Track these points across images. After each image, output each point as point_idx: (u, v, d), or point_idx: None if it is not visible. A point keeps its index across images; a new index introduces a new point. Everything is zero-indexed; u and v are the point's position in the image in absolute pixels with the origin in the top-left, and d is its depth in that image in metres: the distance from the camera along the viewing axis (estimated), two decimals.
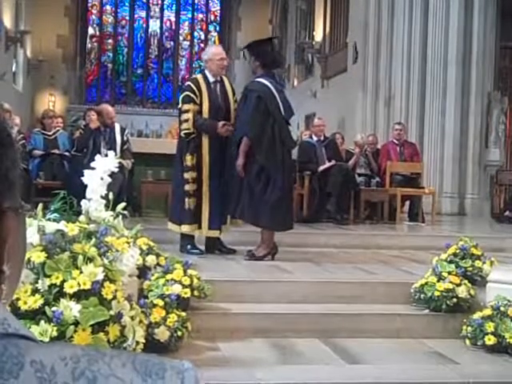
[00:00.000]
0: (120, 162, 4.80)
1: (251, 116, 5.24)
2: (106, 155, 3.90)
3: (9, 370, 0.54)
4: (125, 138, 7.91)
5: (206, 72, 5.68)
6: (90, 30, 22.90)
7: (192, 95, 5.52)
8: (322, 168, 8.20)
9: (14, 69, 17.70)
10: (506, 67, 12.17)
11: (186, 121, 5.48)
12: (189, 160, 5.45)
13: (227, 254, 5.61)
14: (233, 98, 5.66)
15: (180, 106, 5.58)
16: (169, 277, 3.83)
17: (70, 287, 2.80)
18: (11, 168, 0.61)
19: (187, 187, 5.45)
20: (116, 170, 3.83)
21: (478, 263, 4.56)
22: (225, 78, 5.75)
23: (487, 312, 3.91)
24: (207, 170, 5.47)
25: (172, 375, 0.57)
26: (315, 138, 8.62)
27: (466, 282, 4.31)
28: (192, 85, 5.60)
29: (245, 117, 5.29)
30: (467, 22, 10.93)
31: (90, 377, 0.55)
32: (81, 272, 2.84)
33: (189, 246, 5.50)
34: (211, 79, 5.62)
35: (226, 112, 5.57)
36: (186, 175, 5.45)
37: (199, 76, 5.75)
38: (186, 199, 5.43)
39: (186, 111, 5.49)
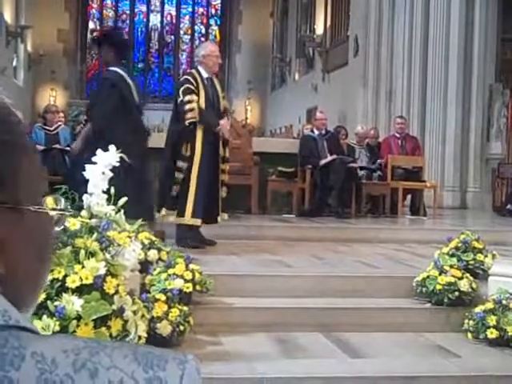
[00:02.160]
0: (121, 157, 4.79)
1: (105, 105, 5.27)
2: (108, 150, 3.89)
3: (10, 361, 0.54)
4: None
5: (200, 68, 5.70)
6: (91, 25, 22.89)
7: (192, 87, 5.56)
8: (323, 162, 8.19)
9: (14, 63, 17.68)
10: (507, 60, 12.13)
11: (192, 110, 5.49)
12: (184, 149, 5.48)
13: (208, 245, 5.60)
14: (222, 96, 5.78)
15: (181, 98, 5.56)
16: (171, 271, 3.84)
17: (72, 282, 2.80)
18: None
19: (177, 175, 5.48)
20: (117, 164, 3.83)
21: (479, 256, 4.56)
22: (214, 77, 5.80)
23: (489, 305, 3.91)
24: (198, 160, 5.49)
25: (173, 367, 0.57)
26: (317, 132, 8.61)
27: (467, 275, 4.31)
28: (190, 78, 5.64)
29: (100, 106, 5.32)
30: (468, 14, 10.90)
31: (91, 368, 0.54)
32: (83, 267, 2.84)
33: (188, 240, 5.49)
34: (205, 75, 5.66)
35: (217, 109, 5.68)
36: (181, 163, 5.48)
37: (194, 71, 5.78)
38: (174, 187, 5.48)
39: (190, 101, 5.51)
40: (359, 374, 3.30)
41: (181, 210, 5.48)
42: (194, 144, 5.50)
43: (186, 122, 5.50)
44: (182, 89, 5.60)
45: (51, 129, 8.71)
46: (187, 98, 5.52)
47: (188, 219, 5.50)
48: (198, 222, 5.55)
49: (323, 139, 8.50)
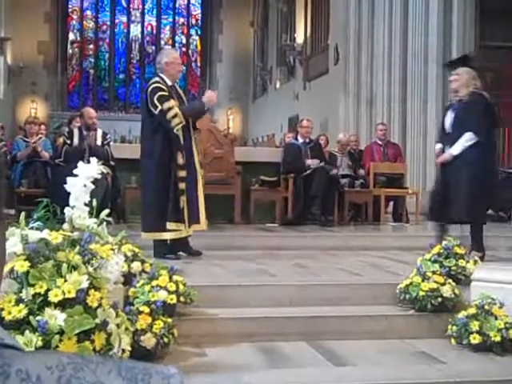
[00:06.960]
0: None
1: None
2: (89, 161, 3.88)
3: None
4: (105, 142, 7.87)
5: (163, 76, 5.52)
6: (71, 36, 22.82)
7: (166, 93, 5.41)
8: (309, 171, 8.18)
9: None
10: (485, 66, 12.26)
11: (175, 116, 5.34)
12: (180, 158, 5.41)
13: (193, 255, 5.57)
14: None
15: (160, 107, 5.35)
16: (154, 283, 3.82)
17: (54, 296, 2.78)
18: None
19: (181, 186, 5.41)
20: (99, 176, 3.82)
21: (461, 262, 4.59)
22: (176, 84, 5.71)
23: (472, 311, 3.94)
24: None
25: (158, 381, 0.58)
26: (301, 140, 8.61)
27: (450, 281, 4.34)
28: (160, 85, 5.45)
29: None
30: (446, 21, 11.03)
31: None
32: (65, 280, 2.82)
33: (164, 252, 5.41)
34: (169, 83, 5.52)
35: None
36: (181, 173, 5.42)
37: (158, 79, 5.53)
38: (181, 198, 5.40)
39: (170, 108, 5.36)
40: (344, 381, 3.31)
41: (195, 219, 5.47)
42: (185, 151, 5.45)
43: (175, 130, 5.35)
44: (156, 97, 5.37)
45: (32, 140, 8.66)
46: (166, 105, 5.35)
47: (203, 226, 5.54)
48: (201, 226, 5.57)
49: (307, 147, 8.51)
